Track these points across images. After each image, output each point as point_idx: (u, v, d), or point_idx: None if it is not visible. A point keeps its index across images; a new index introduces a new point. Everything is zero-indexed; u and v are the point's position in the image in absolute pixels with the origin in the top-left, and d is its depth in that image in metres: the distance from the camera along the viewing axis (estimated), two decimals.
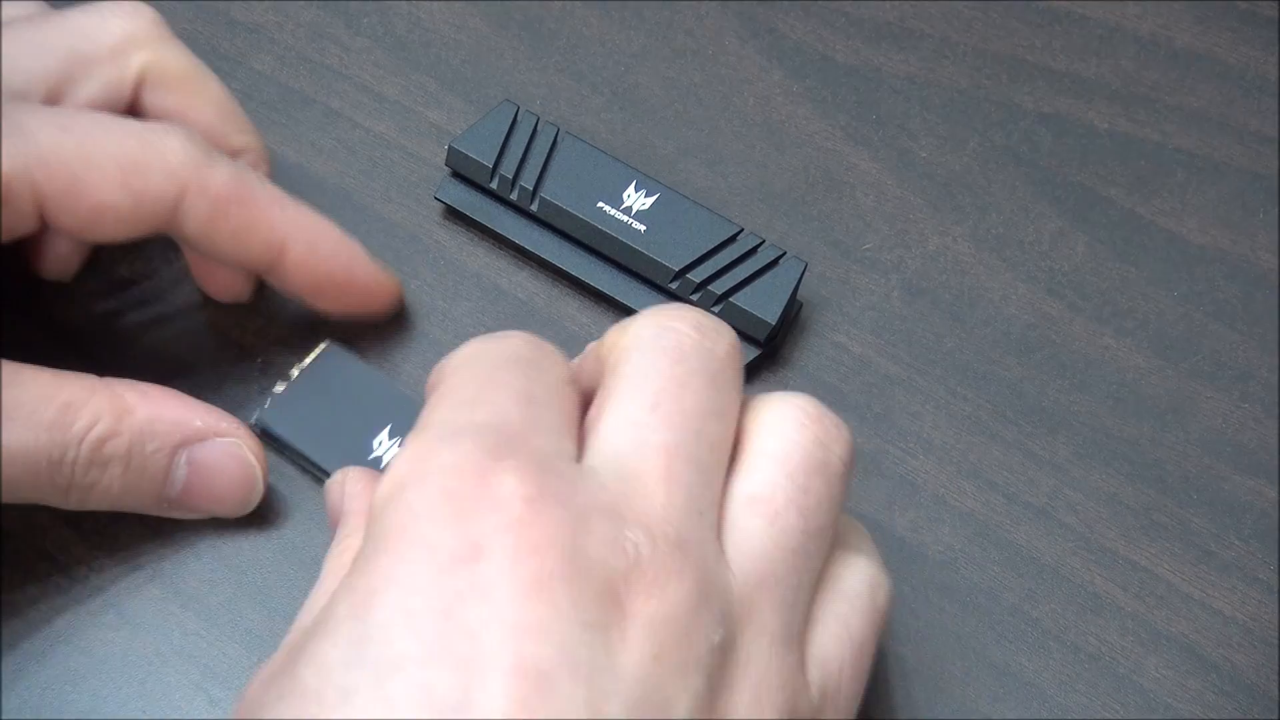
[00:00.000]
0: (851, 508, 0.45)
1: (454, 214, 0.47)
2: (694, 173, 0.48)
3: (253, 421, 0.43)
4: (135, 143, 0.40)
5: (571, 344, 0.40)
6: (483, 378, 0.36)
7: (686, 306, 0.37)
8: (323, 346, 0.45)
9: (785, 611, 0.34)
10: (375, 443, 0.43)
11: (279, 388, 0.44)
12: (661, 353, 0.36)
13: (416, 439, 0.34)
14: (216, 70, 0.44)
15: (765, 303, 0.45)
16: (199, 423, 0.41)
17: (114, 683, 0.41)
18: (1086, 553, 0.44)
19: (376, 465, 0.43)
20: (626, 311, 0.46)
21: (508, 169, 0.46)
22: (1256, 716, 0.42)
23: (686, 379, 0.35)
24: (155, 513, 0.41)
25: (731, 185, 0.48)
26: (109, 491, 0.40)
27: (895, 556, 0.44)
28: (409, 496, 0.32)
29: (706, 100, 0.49)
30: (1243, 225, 0.49)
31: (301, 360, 0.44)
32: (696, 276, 0.45)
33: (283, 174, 0.47)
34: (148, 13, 0.44)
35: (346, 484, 0.40)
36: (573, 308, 0.47)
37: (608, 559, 0.32)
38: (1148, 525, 0.44)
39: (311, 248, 0.43)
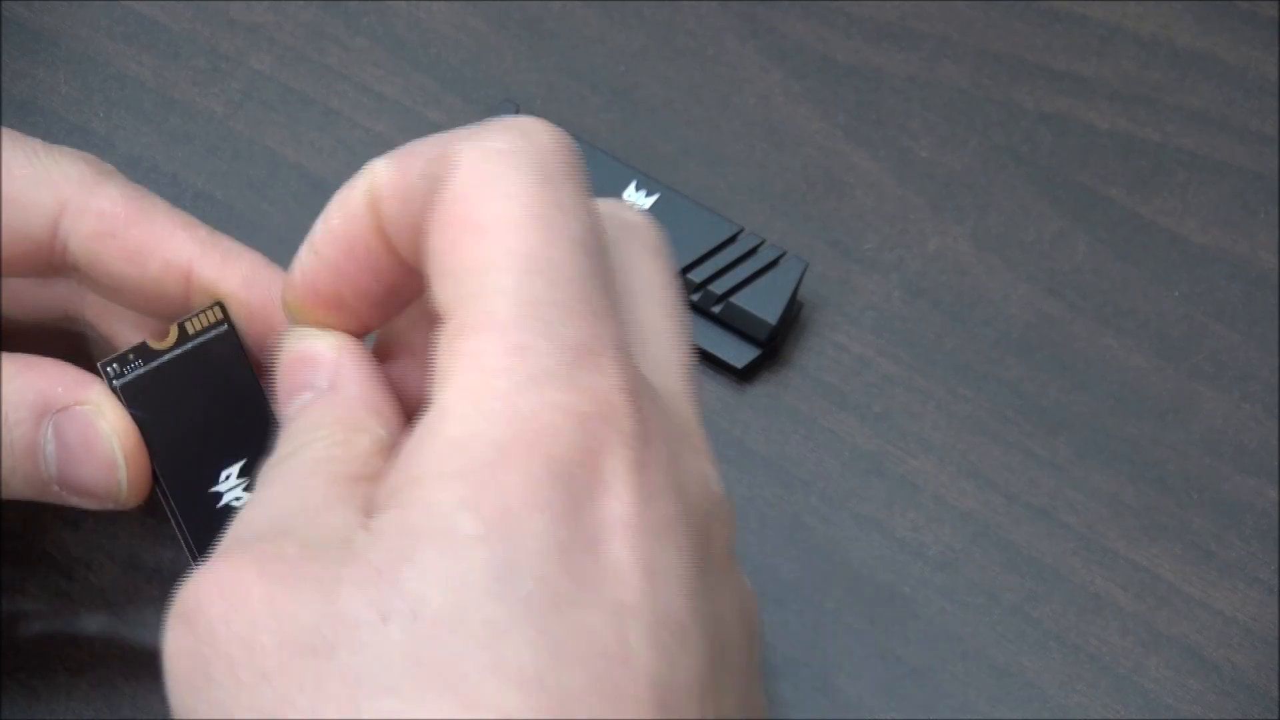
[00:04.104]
0: (852, 508, 0.45)
1: None
2: (694, 173, 0.48)
3: (113, 383, 0.36)
4: (12, 155, 0.36)
5: None
6: (568, 235, 0.30)
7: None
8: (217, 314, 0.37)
9: None
10: (223, 475, 0.36)
11: (155, 345, 0.36)
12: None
13: (523, 307, 0.29)
14: (216, 69, 0.44)
15: (765, 303, 0.45)
16: (60, 389, 0.35)
17: (113, 682, 0.41)
18: (1087, 553, 0.44)
19: (217, 502, 0.36)
20: None
21: None
22: (1257, 716, 0.42)
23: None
24: (51, 499, 0.36)
25: (731, 185, 0.48)
26: None
27: (895, 556, 0.44)
28: (541, 398, 0.28)
29: (706, 100, 0.49)
30: (1243, 225, 0.49)
31: (186, 323, 0.36)
32: (697, 276, 0.45)
33: (283, 174, 0.47)
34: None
35: (342, 356, 0.33)
36: None
37: (702, 502, 0.30)
38: (1148, 525, 0.44)
39: (223, 275, 0.36)
